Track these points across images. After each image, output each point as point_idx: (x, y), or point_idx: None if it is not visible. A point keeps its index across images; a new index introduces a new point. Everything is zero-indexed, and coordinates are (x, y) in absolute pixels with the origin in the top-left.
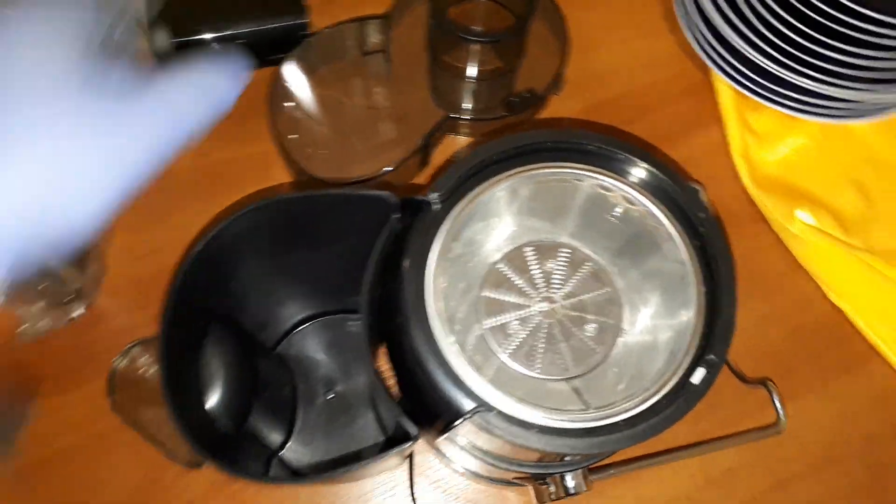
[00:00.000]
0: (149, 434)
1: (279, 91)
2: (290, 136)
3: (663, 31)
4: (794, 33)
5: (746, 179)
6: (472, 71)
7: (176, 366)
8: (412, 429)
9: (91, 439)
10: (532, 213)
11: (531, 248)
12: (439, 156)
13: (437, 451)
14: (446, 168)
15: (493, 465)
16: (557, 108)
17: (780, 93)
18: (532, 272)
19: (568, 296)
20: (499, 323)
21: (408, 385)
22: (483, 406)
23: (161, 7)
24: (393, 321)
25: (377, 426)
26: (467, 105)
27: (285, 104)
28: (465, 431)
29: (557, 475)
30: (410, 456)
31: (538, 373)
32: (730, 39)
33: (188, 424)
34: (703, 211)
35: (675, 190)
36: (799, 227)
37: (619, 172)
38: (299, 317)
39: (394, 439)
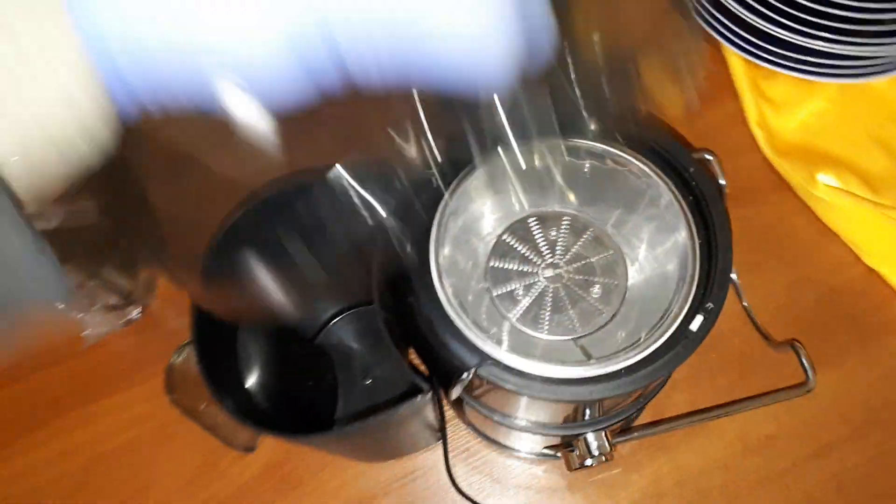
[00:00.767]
0: (206, 423)
1: None
2: None
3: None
4: None
5: (766, 148)
6: None
7: (212, 351)
8: (424, 385)
9: (153, 431)
10: (530, 185)
11: (534, 219)
12: None
13: (471, 426)
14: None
15: (520, 428)
16: None
17: (792, 58)
18: (537, 241)
19: (572, 260)
20: (506, 290)
21: (426, 356)
22: (487, 359)
23: None
24: (404, 300)
25: None
26: None
27: None
28: (480, 392)
29: (581, 437)
30: (444, 436)
31: (546, 334)
32: (736, 11)
33: (229, 399)
34: (692, 164)
35: (664, 146)
36: (823, 190)
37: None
38: (334, 309)
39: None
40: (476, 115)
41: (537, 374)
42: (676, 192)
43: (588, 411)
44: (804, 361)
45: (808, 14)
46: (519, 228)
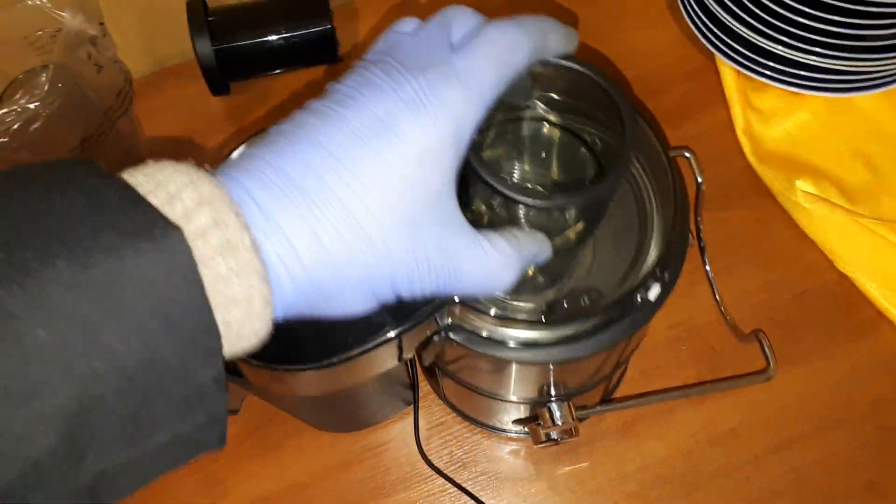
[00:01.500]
0: None
1: None
2: None
3: (667, 21)
4: (792, 12)
5: (749, 154)
6: None
7: None
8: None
9: None
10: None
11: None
12: None
13: (444, 399)
14: None
15: (490, 396)
16: None
17: (782, 70)
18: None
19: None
20: None
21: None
22: (457, 326)
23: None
24: None
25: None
26: None
27: None
28: (451, 359)
29: (546, 407)
30: (416, 407)
31: (511, 299)
32: (730, 25)
33: None
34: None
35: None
36: (802, 196)
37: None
38: None
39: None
40: None
41: (503, 337)
42: (642, 172)
43: (554, 383)
44: (766, 349)
45: (799, 29)
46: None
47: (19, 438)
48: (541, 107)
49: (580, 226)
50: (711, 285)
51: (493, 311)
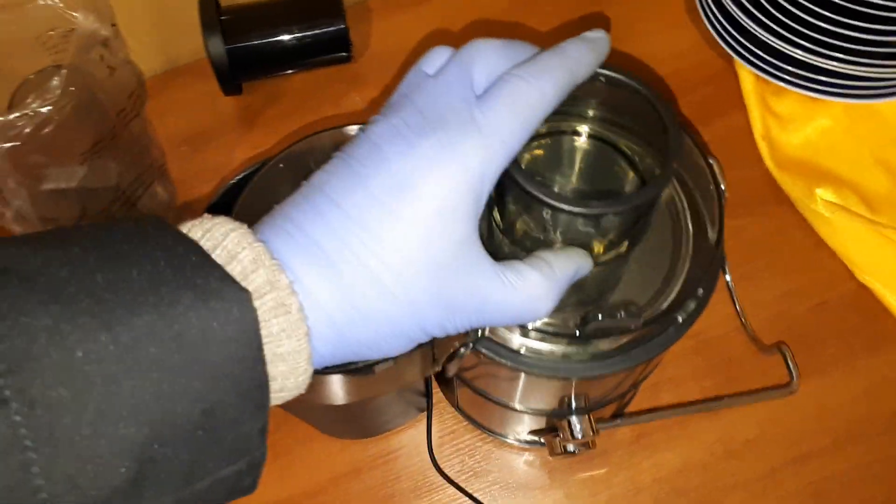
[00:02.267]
0: None
1: None
2: None
3: (686, 24)
4: (812, 16)
5: (768, 161)
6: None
7: None
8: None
9: None
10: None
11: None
12: None
13: (458, 409)
14: None
15: (508, 408)
16: None
17: (802, 76)
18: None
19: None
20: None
21: None
22: (483, 335)
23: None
24: None
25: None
26: None
27: None
28: (472, 369)
29: (566, 420)
30: (429, 414)
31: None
32: (749, 28)
33: None
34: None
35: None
36: (822, 205)
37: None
38: None
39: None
40: None
41: (533, 351)
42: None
43: (575, 395)
44: (789, 363)
45: (819, 33)
46: None
47: (106, 463)
48: (578, 117)
49: (622, 239)
50: (732, 295)
51: (529, 328)
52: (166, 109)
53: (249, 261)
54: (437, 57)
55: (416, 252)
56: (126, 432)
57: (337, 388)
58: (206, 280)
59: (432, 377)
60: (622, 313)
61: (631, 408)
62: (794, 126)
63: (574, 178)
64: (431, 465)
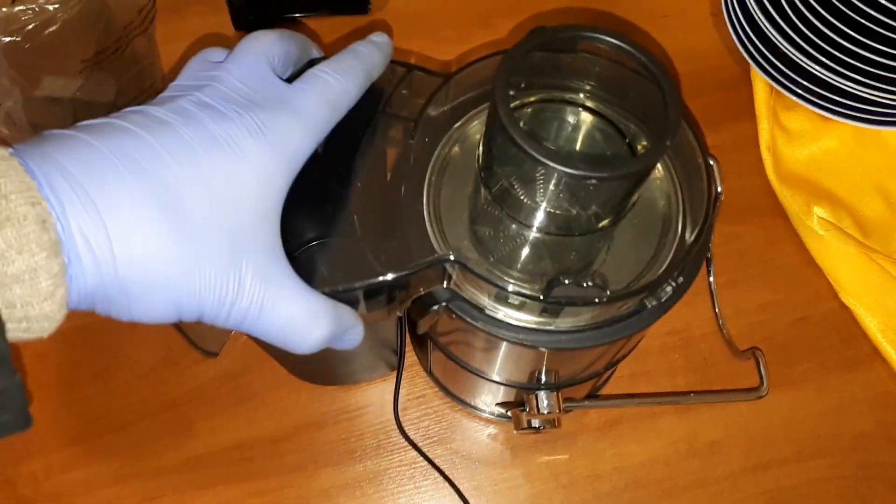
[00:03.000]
0: (175, 323)
1: None
2: None
3: (708, 26)
4: (836, 34)
5: (770, 172)
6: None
7: None
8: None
9: None
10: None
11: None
12: None
13: (431, 375)
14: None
15: (479, 375)
16: None
17: (816, 92)
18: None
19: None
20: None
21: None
22: (459, 296)
23: None
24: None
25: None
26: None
27: None
28: (445, 332)
29: (534, 394)
30: (399, 374)
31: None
32: (771, 36)
33: None
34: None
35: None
36: (817, 221)
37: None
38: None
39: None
40: None
41: (504, 316)
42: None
43: (545, 369)
44: (761, 367)
45: (840, 52)
46: None
47: None
48: (578, 88)
49: (606, 211)
50: (713, 297)
51: (509, 287)
52: (174, 36)
53: None
54: (221, 52)
55: (222, 211)
56: None
57: None
58: None
59: (406, 336)
60: (589, 282)
61: (602, 393)
62: (800, 142)
63: (567, 146)
64: (395, 427)
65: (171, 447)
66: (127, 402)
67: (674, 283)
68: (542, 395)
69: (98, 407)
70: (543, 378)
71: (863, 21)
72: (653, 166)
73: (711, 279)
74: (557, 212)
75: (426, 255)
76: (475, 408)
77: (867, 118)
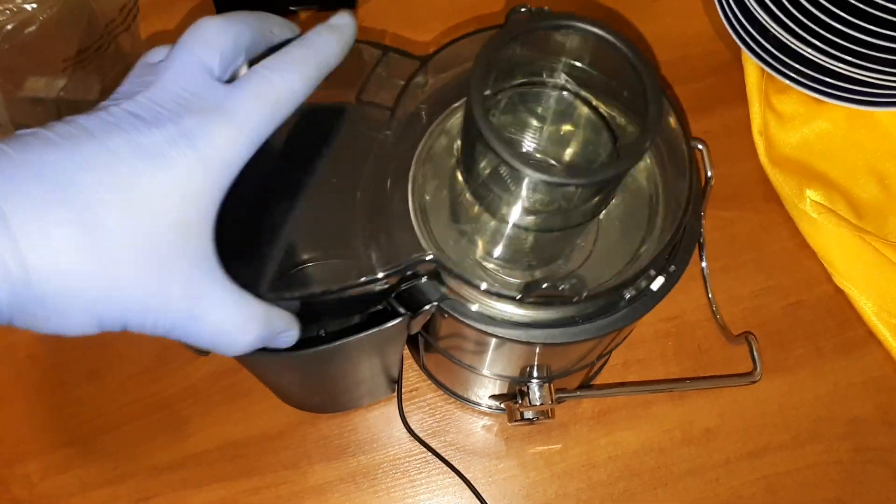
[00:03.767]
0: None
1: None
2: None
3: (698, 11)
4: (827, 16)
5: (762, 156)
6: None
7: None
8: (402, 309)
9: None
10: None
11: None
12: None
13: (424, 369)
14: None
15: (472, 370)
16: None
17: (808, 75)
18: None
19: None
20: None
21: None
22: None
23: None
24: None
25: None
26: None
27: None
28: (438, 329)
29: (526, 387)
30: (399, 376)
31: (499, 265)
32: (762, 19)
33: None
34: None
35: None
36: (810, 205)
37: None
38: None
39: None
40: None
41: (494, 313)
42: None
43: (538, 363)
44: (754, 352)
45: (831, 33)
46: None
47: None
48: (561, 71)
49: (583, 207)
50: (706, 283)
51: (483, 286)
52: (160, 33)
53: None
54: (162, 51)
55: (145, 223)
56: None
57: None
58: None
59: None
60: (566, 285)
61: (595, 383)
62: (792, 125)
63: (546, 134)
64: (389, 420)
65: (165, 446)
66: (120, 402)
67: (664, 273)
68: (534, 386)
69: (91, 407)
70: (536, 372)
71: (854, 2)
72: (630, 169)
73: (704, 265)
74: (537, 209)
75: (412, 253)
76: (468, 400)
77: (860, 99)
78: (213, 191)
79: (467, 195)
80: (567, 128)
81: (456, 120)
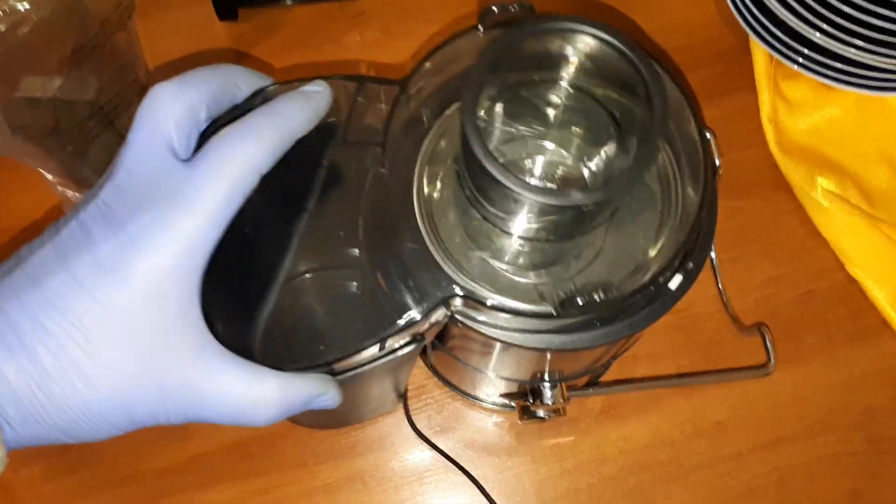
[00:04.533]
0: None
1: None
2: None
3: None
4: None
5: (772, 144)
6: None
7: None
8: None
9: None
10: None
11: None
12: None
13: (432, 368)
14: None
15: (483, 372)
16: None
17: (818, 61)
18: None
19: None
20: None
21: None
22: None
23: None
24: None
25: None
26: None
27: None
28: (448, 334)
29: (537, 387)
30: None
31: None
32: (770, 5)
33: None
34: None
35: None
36: (821, 193)
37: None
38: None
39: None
40: None
41: (508, 322)
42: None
43: (550, 367)
44: (767, 343)
45: (840, 17)
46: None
47: None
48: (566, 70)
49: (590, 215)
50: (716, 274)
51: (497, 296)
52: (157, 29)
53: None
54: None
55: (121, 338)
56: None
57: None
58: None
59: None
60: (601, 294)
61: (605, 378)
62: (802, 112)
63: (553, 134)
64: (398, 419)
65: (171, 448)
66: None
67: (682, 271)
68: (546, 387)
69: None
70: (548, 375)
71: None
72: (641, 177)
73: (713, 255)
74: (541, 226)
75: (441, 292)
76: (477, 398)
77: (871, 85)
78: (184, 281)
79: (474, 213)
80: (572, 124)
81: (453, 123)
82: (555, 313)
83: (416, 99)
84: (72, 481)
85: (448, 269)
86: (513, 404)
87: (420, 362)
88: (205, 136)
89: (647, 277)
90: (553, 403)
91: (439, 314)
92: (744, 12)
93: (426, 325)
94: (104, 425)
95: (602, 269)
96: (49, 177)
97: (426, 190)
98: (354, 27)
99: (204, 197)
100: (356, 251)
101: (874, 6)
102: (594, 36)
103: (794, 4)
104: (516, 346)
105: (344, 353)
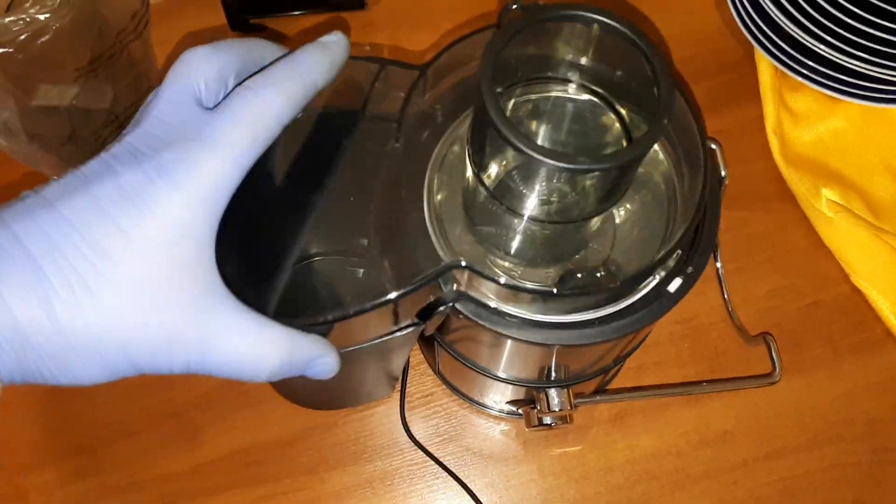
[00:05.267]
0: None
1: None
2: None
3: (710, 8)
4: (841, 12)
5: (777, 155)
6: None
7: None
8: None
9: None
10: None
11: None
12: None
13: (439, 374)
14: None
15: (488, 375)
16: None
17: (823, 73)
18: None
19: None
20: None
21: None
22: (465, 295)
23: None
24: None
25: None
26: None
27: None
28: (453, 332)
29: (544, 391)
30: (404, 379)
31: (515, 265)
32: (774, 16)
33: None
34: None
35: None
36: (826, 204)
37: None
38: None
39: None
40: None
41: (512, 314)
42: (669, 153)
43: (555, 366)
44: (773, 353)
45: (845, 30)
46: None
47: None
48: (571, 67)
49: (601, 197)
50: (721, 284)
51: (503, 281)
52: (171, 38)
53: None
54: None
55: (138, 267)
56: None
57: None
58: None
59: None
60: (601, 272)
61: (611, 387)
62: (807, 123)
63: (560, 130)
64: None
65: (180, 453)
66: (134, 410)
67: (682, 274)
68: (552, 392)
69: (105, 415)
70: (553, 375)
71: None
72: (644, 154)
73: (719, 265)
74: (552, 199)
75: (432, 265)
76: (484, 406)
77: (876, 97)
78: (204, 220)
79: (481, 198)
80: (578, 121)
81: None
82: (554, 290)
83: (434, 90)
84: (84, 487)
85: (440, 248)
86: (520, 411)
87: (429, 370)
88: None
89: (651, 282)
90: (560, 410)
91: (443, 294)
92: (749, 24)
93: (427, 300)
94: (98, 362)
95: (601, 261)
96: None
97: (438, 170)
98: (364, 37)
99: (226, 139)
100: (365, 241)
101: (879, 19)
102: (597, 20)
103: (800, 17)
104: (516, 339)
105: (344, 313)
